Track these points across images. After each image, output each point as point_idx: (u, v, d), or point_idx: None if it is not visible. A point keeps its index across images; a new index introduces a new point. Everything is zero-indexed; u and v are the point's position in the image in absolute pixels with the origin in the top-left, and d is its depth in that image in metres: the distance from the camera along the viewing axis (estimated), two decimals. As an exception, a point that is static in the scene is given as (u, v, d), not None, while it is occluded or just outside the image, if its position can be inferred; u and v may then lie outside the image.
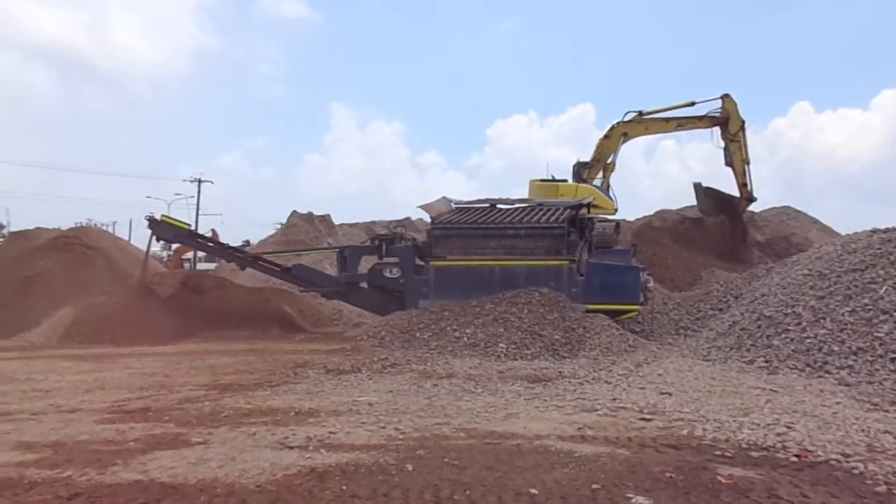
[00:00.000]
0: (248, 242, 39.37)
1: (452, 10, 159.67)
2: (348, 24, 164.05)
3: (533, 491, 4.46)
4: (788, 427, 6.22)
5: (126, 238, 38.77)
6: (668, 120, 21.50)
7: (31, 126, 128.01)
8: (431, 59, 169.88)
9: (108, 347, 13.68)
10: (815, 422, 6.51)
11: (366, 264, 16.81)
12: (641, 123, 21.51)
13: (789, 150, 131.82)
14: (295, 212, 31.21)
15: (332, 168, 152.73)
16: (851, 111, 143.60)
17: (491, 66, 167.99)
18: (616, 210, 19.55)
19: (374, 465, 5.06)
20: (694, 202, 24.18)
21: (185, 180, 69.33)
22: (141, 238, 31.66)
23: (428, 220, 16.63)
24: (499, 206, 16.34)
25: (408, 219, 32.14)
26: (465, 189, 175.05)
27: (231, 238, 37.73)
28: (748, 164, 21.61)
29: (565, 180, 19.70)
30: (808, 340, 10.04)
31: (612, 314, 13.63)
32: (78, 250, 18.85)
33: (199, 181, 55.55)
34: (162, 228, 17.27)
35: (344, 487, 4.55)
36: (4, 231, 39.25)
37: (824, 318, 10.31)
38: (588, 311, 13.48)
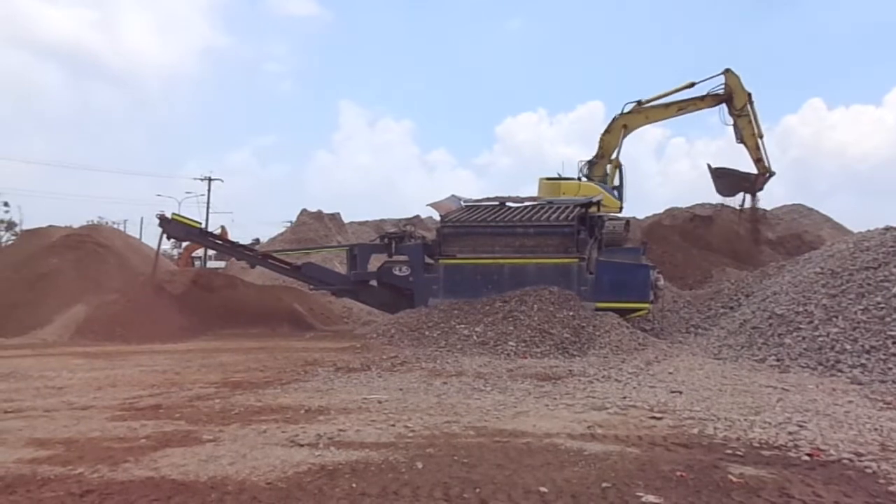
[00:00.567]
0: (257, 241, 39.46)
1: (461, 8, 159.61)
2: (357, 23, 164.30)
3: (543, 489, 4.45)
4: (800, 426, 6.17)
5: (137, 236, 39.02)
6: (667, 105, 20.73)
7: (43, 124, 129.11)
8: (440, 57, 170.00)
9: (119, 345, 13.79)
10: (827, 420, 6.45)
11: (375, 262, 16.85)
12: (641, 113, 20.82)
13: (801, 147, 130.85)
14: (305, 210, 31.37)
15: (342, 166, 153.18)
16: (864, 108, 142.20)
17: (500, 64, 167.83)
18: (620, 208, 19.25)
19: (384, 463, 5.07)
20: (703, 200, 24.01)
21: (195, 178, 69.97)
22: (152, 236, 31.89)
23: (437, 218, 16.67)
24: (508, 204, 16.33)
25: (417, 217, 32.22)
26: (474, 187, 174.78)
27: (241, 236, 37.93)
28: (761, 137, 20.52)
29: (578, 178, 19.58)
30: (820, 339, 9.96)
31: (622, 312, 13.60)
32: (90, 248, 18.98)
33: (210, 179, 55.66)
34: (173, 226, 17.39)
35: (354, 485, 4.56)
36: (17, 229, 39.49)
37: (836, 317, 10.22)
38: (598, 309, 13.46)
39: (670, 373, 9.58)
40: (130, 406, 7.46)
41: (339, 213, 32.45)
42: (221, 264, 31.90)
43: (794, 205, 31.90)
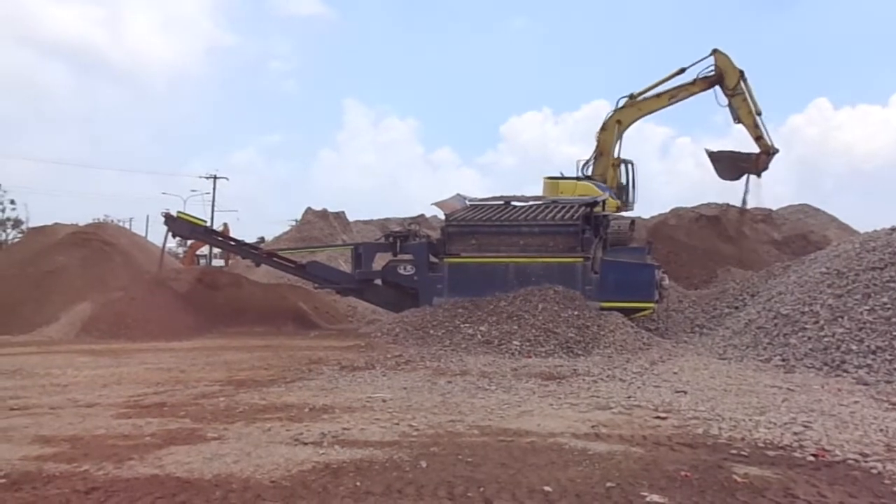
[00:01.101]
0: (262, 239, 39.61)
1: (465, 7, 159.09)
2: (361, 22, 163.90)
3: (547, 488, 4.44)
4: (805, 426, 6.15)
5: (142, 234, 39.25)
6: (659, 95, 20.18)
7: (48, 122, 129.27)
8: (445, 56, 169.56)
9: (124, 342, 13.85)
10: (832, 421, 6.43)
11: (380, 261, 16.85)
12: (634, 106, 20.33)
13: (807, 147, 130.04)
14: (309, 208, 31.34)
15: (346, 165, 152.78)
16: (871, 108, 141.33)
17: (505, 63, 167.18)
18: (617, 208, 19.08)
19: (388, 462, 5.07)
20: (708, 199, 23.71)
21: (200, 177, 69.99)
22: (157, 234, 32.06)
23: (442, 217, 16.65)
24: (513, 203, 16.31)
25: (422, 216, 32.17)
26: (478, 186, 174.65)
27: (246, 235, 38.05)
28: (759, 114, 19.60)
29: (577, 178, 19.48)
30: (826, 339, 9.92)
31: (627, 312, 13.57)
32: (95, 246, 19.05)
33: (215, 178, 55.85)
34: (178, 225, 17.44)
35: (358, 483, 4.56)
36: (23, 227, 39.71)
37: (842, 317, 10.18)
38: (602, 308, 13.44)
39: (675, 372, 9.56)
40: (135, 404, 7.49)
41: (343, 212, 32.44)
42: (221, 263, 31.99)
43: (799, 205, 31.69)
